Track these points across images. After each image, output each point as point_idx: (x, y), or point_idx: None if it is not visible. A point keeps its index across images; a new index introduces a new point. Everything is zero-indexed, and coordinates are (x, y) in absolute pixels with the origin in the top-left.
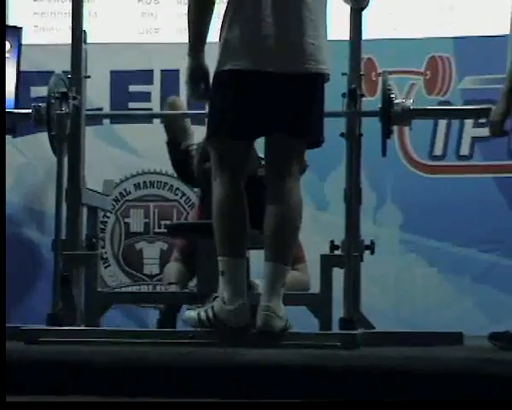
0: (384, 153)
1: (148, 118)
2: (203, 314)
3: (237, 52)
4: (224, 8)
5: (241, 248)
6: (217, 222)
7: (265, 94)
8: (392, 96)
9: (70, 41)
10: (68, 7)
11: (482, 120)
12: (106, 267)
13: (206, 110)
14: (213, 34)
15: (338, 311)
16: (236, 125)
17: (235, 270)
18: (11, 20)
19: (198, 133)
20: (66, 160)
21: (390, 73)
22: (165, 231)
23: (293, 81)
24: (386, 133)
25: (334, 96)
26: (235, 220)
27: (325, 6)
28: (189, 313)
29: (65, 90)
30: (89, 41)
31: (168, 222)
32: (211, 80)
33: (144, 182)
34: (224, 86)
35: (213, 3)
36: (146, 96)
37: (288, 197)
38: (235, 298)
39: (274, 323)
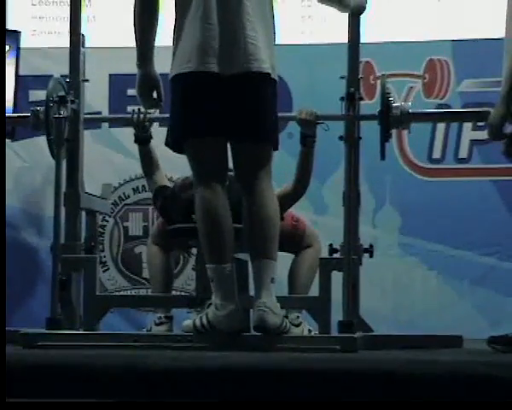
0: (383, 156)
1: (146, 122)
2: (198, 322)
3: (185, 56)
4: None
5: (227, 254)
6: (201, 230)
7: (215, 95)
8: (390, 99)
9: (68, 45)
10: (67, 11)
11: (481, 123)
12: (105, 271)
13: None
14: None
15: (337, 314)
16: (192, 124)
17: (224, 276)
18: (10, 24)
19: None
20: (64, 164)
21: (388, 76)
22: None
23: (238, 82)
24: (385, 137)
25: (332, 100)
26: (218, 228)
27: (269, 11)
28: (186, 322)
29: (63, 94)
30: (87, 45)
31: None
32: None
33: (143, 186)
34: (176, 91)
35: (156, 16)
36: None
37: (260, 198)
38: (226, 303)
39: (269, 318)
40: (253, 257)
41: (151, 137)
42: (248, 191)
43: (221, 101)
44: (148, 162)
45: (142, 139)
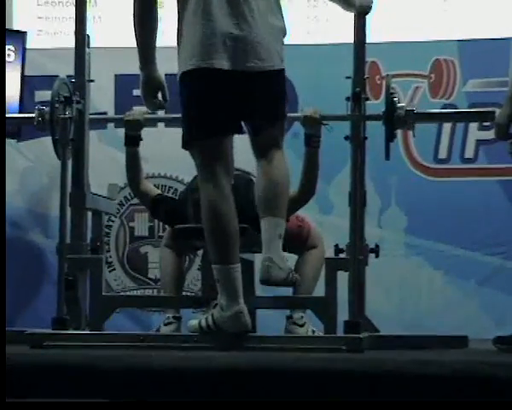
0: (387, 156)
1: (152, 122)
2: (204, 322)
3: (187, 54)
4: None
5: (232, 254)
6: (207, 230)
7: (219, 91)
8: (395, 99)
9: (74, 45)
10: (72, 11)
11: (487, 123)
12: (110, 271)
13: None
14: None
15: (343, 314)
16: (197, 124)
17: (230, 276)
18: (15, 25)
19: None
20: (70, 164)
21: (394, 76)
22: None
23: (242, 78)
24: (390, 137)
25: (338, 100)
26: (224, 228)
27: (275, 5)
28: (192, 322)
29: (68, 94)
30: (93, 45)
31: None
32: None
33: None
34: (182, 90)
35: (155, 18)
36: None
37: (273, 162)
38: (232, 304)
39: (275, 273)
40: (262, 215)
41: (141, 139)
42: (262, 158)
43: (225, 97)
44: (135, 167)
45: (134, 138)
